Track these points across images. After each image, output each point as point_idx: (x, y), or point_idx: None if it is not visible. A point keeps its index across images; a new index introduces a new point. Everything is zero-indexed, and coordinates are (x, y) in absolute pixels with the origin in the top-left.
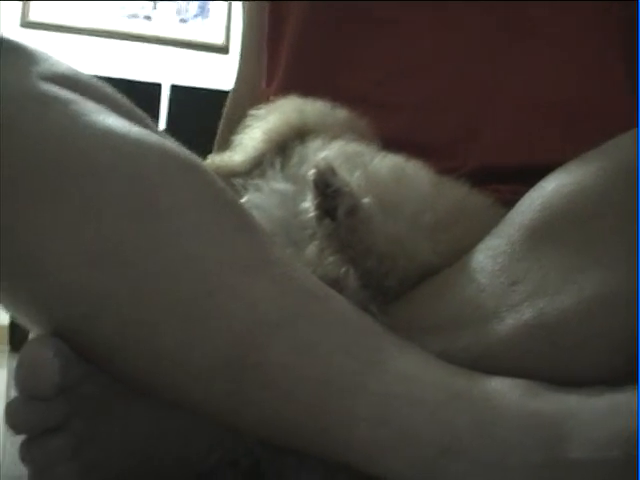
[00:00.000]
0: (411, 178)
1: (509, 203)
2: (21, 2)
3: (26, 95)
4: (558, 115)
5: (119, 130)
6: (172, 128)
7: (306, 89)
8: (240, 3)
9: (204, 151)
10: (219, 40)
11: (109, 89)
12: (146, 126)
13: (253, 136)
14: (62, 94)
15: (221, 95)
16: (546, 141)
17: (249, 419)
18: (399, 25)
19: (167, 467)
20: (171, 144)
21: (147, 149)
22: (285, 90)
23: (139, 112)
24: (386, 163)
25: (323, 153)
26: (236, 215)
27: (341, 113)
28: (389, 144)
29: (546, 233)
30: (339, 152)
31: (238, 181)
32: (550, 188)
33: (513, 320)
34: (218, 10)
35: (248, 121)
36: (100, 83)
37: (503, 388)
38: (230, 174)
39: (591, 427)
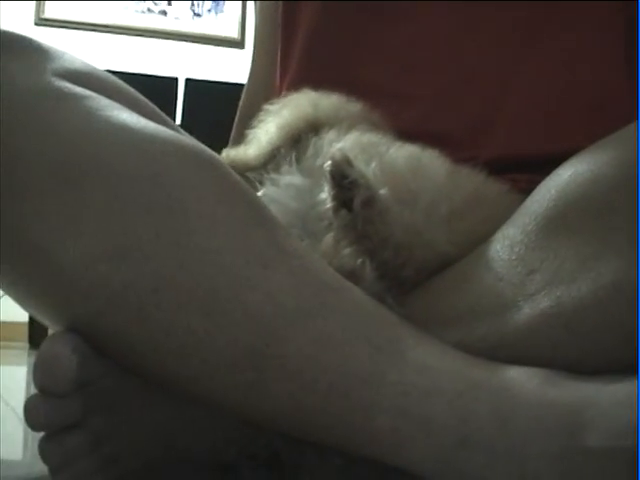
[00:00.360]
0: (427, 168)
1: (525, 192)
2: (35, 1)
3: (41, 92)
4: (571, 106)
5: (134, 125)
6: (188, 121)
7: (319, 82)
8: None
9: (220, 144)
10: (234, 34)
11: (123, 85)
12: (161, 121)
13: (267, 130)
14: (76, 90)
15: (237, 88)
16: (561, 131)
17: (269, 411)
18: (413, 20)
19: (186, 460)
20: (187, 139)
21: (163, 144)
22: (298, 84)
23: (154, 107)
24: (402, 153)
25: (339, 144)
26: (252, 208)
27: (355, 106)
28: (405, 135)
29: (561, 222)
30: (355, 143)
31: (253, 175)
32: (565, 177)
33: (530, 309)
34: (232, 5)
35: (262, 116)
36: (114, 79)
37: (521, 377)
38: (245, 168)
39: (610, 415)
